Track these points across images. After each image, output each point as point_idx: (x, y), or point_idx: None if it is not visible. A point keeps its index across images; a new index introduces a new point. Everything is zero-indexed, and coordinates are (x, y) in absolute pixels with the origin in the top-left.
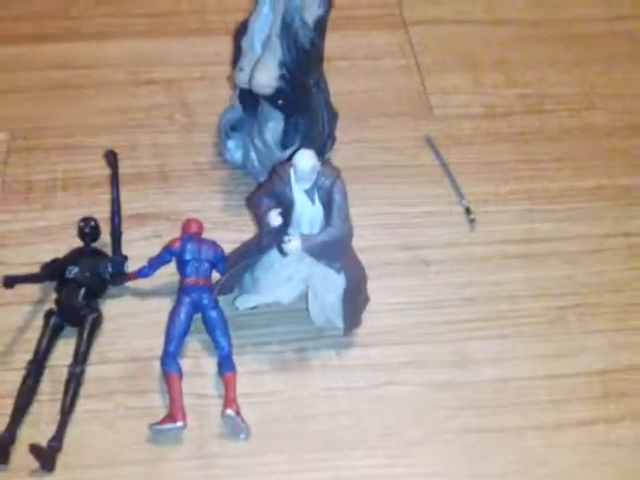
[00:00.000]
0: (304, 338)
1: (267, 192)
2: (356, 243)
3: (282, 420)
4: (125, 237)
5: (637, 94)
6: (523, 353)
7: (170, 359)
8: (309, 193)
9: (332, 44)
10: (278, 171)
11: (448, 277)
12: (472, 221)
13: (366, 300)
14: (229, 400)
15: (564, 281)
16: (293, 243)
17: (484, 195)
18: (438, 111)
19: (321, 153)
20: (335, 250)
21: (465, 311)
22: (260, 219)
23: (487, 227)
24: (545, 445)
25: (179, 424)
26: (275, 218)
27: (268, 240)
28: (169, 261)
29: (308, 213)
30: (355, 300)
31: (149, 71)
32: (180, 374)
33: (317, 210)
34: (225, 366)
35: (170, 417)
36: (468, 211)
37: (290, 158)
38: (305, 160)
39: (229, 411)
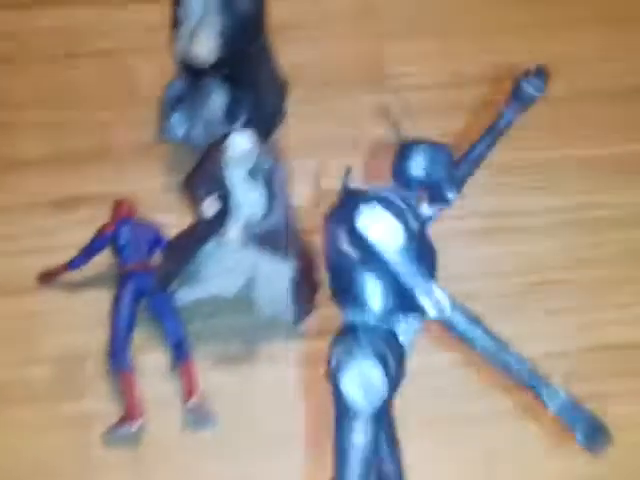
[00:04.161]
0: (253, 327)
1: (201, 176)
2: (308, 224)
3: (227, 422)
4: (58, 223)
5: (602, 58)
6: None
7: (119, 355)
8: (248, 178)
9: (281, 9)
10: (211, 153)
11: None
12: None
13: (318, 285)
14: (190, 390)
15: (530, 257)
16: (232, 233)
17: None
18: (397, 80)
19: (271, 127)
20: (278, 239)
21: None
22: (195, 207)
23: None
24: (511, 432)
25: (137, 423)
26: (209, 207)
27: (205, 230)
28: (103, 248)
29: (248, 199)
30: (304, 288)
31: (86, 42)
32: (132, 371)
33: (258, 195)
34: (179, 352)
35: (127, 417)
36: None
37: (225, 138)
38: (240, 143)
39: (191, 403)
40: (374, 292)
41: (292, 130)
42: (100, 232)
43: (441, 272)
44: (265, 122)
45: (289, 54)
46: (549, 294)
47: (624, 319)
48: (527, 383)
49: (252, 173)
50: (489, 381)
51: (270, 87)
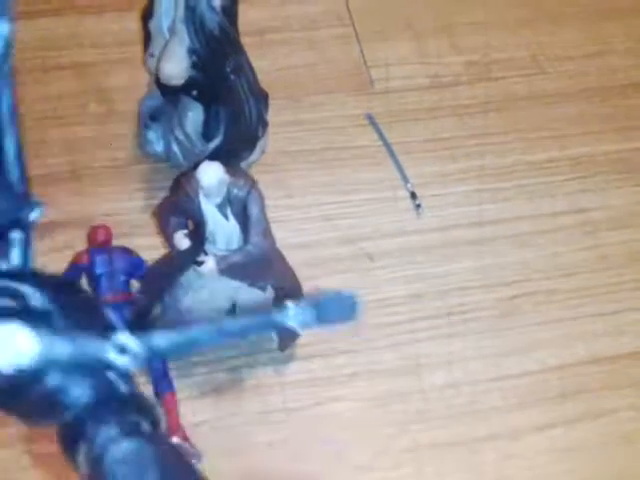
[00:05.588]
0: (238, 355)
1: (173, 208)
2: (294, 239)
3: (214, 454)
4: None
5: (587, 55)
6: (474, 353)
7: None
8: (221, 208)
9: (263, 15)
10: (183, 185)
11: (394, 271)
12: (418, 206)
13: None
14: (173, 426)
15: (516, 267)
16: (207, 265)
17: (429, 176)
18: (379, 85)
19: (252, 141)
20: (255, 269)
21: (413, 309)
22: (169, 240)
23: (434, 212)
24: (501, 457)
25: None
26: (181, 240)
27: (181, 261)
28: (77, 279)
29: (222, 229)
30: None
31: (58, 55)
32: None
33: (233, 225)
34: (161, 386)
35: None
36: (413, 196)
37: (194, 168)
38: (209, 174)
39: (174, 439)
40: None
41: (274, 139)
42: (74, 262)
43: (431, 285)
44: (246, 136)
45: (271, 59)
46: (543, 304)
47: (620, 327)
48: None
49: (225, 203)
50: None
51: (247, 100)
